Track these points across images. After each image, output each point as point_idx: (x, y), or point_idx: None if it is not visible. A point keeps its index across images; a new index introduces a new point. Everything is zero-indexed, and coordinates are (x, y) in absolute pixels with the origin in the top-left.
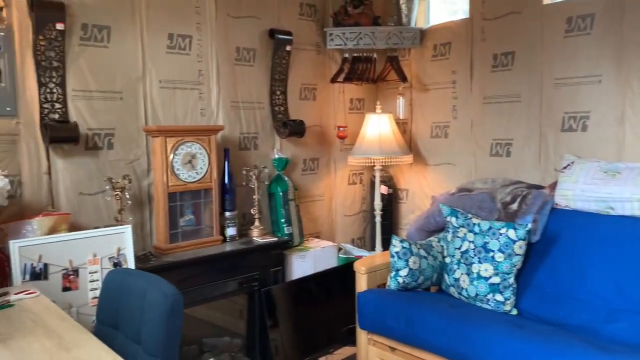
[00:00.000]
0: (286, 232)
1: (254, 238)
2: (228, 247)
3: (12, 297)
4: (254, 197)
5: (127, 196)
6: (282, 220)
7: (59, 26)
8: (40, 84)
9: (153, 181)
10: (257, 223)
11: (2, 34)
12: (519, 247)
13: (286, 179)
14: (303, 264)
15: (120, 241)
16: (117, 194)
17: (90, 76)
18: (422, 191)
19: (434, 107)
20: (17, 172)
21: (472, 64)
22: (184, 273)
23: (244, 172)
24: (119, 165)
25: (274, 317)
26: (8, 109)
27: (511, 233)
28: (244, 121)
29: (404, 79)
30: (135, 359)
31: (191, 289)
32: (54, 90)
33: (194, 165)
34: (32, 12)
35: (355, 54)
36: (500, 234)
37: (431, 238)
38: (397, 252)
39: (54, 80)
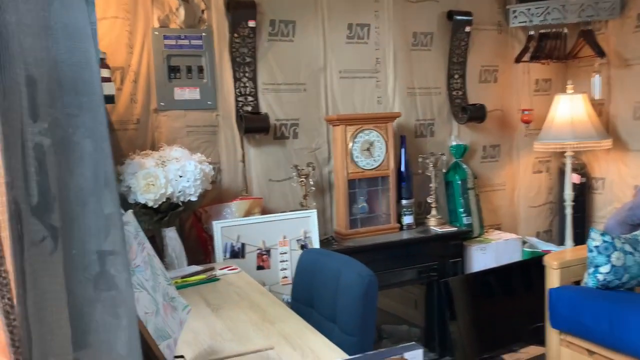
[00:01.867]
0: (465, 222)
1: (432, 227)
2: (405, 235)
3: (218, 272)
4: (431, 185)
5: (311, 182)
6: (461, 209)
7: (251, 24)
8: (235, 79)
9: (333, 168)
10: (434, 212)
11: (204, 34)
12: None
13: (464, 166)
14: (484, 256)
15: (307, 224)
16: (302, 181)
17: (278, 69)
18: (622, 180)
19: (639, 85)
20: (217, 160)
21: None
22: (364, 258)
23: (420, 159)
24: (303, 153)
25: (452, 309)
26: (209, 102)
27: None
28: (420, 107)
29: (601, 54)
30: (331, 336)
31: None
32: (247, 84)
33: (371, 152)
34: (228, 12)
35: (542, 31)
36: None
37: (636, 232)
38: (596, 247)
39: (247, 74)
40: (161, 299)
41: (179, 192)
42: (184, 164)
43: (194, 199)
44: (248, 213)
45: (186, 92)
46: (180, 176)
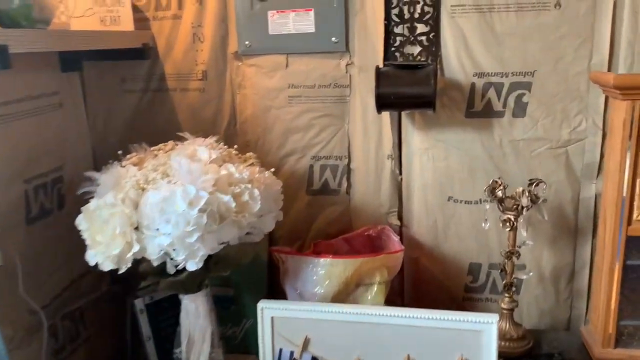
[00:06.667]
0: None
1: None
2: None
3: None
4: None
5: (523, 229)
6: None
7: None
8: None
9: (602, 195)
10: None
11: None
12: None
13: None
14: None
15: (471, 343)
16: (508, 218)
17: None
18: None
19: None
20: (343, 151)
21: None
22: None
23: None
24: (534, 150)
25: None
26: (334, 40)
27: None
28: None
29: None
30: None
31: None
32: (418, 0)
33: None
34: None
35: None
36: None
37: None
38: None
39: None
40: None
41: (158, 251)
42: (169, 194)
43: (193, 266)
44: (357, 279)
45: (290, 21)
46: (167, 221)
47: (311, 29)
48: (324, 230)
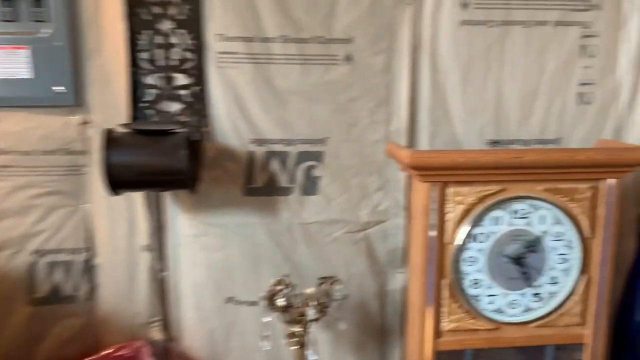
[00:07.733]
0: None
1: None
2: None
3: None
4: None
5: (310, 340)
6: None
7: None
8: (136, 26)
9: (409, 293)
10: None
11: None
12: None
13: None
14: None
15: None
16: (293, 333)
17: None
18: None
19: None
20: (81, 242)
21: None
22: None
23: None
24: (331, 232)
25: None
26: (58, 88)
27: None
28: None
29: None
30: None
31: None
32: (172, 40)
33: (529, 273)
34: None
35: None
36: None
37: None
38: None
39: (170, 13)
40: None
41: None
42: None
43: None
44: None
45: None
46: None
47: (27, 73)
48: (58, 352)
